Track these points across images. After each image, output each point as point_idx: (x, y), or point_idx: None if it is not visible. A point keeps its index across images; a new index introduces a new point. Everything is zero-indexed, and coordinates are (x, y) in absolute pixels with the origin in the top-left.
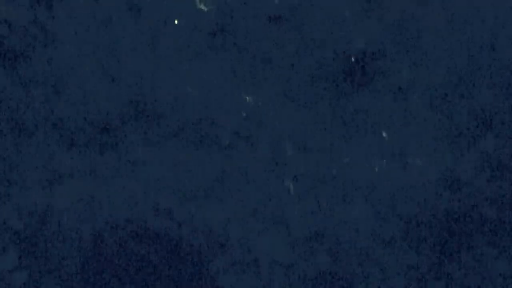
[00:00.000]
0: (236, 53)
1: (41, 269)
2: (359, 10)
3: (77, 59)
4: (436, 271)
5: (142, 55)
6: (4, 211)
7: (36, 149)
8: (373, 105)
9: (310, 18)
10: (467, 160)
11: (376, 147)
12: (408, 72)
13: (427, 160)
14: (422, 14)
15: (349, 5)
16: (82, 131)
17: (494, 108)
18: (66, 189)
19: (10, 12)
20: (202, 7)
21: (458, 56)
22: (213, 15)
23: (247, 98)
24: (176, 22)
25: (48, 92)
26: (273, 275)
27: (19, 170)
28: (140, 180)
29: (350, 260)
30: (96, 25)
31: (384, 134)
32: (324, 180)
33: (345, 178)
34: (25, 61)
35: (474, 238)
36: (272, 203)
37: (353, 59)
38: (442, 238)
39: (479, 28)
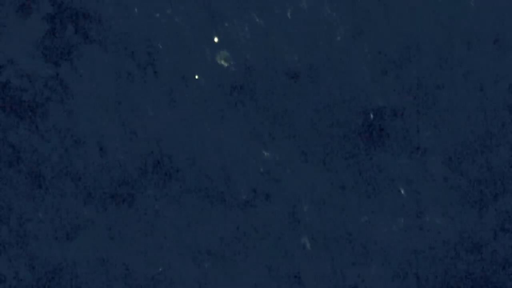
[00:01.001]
0: (254, 110)
1: None
2: (378, 68)
3: (95, 113)
4: None
5: (160, 110)
6: (17, 263)
7: (52, 201)
8: (391, 163)
9: (329, 75)
10: (487, 220)
11: (393, 206)
12: (427, 131)
13: (446, 220)
14: (441, 73)
15: (368, 64)
16: (99, 184)
17: None
18: (81, 242)
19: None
20: (223, 62)
21: (477, 115)
22: (233, 71)
23: (265, 154)
24: (196, 77)
25: (67, 145)
26: None
27: (34, 222)
28: (155, 235)
29: None
30: (115, 79)
31: (402, 192)
32: (341, 238)
33: (362, 236)
34: (44, 114)
35: None
36: (288, 260)
37: (371, 117)
38: None
39: (497, 88)
